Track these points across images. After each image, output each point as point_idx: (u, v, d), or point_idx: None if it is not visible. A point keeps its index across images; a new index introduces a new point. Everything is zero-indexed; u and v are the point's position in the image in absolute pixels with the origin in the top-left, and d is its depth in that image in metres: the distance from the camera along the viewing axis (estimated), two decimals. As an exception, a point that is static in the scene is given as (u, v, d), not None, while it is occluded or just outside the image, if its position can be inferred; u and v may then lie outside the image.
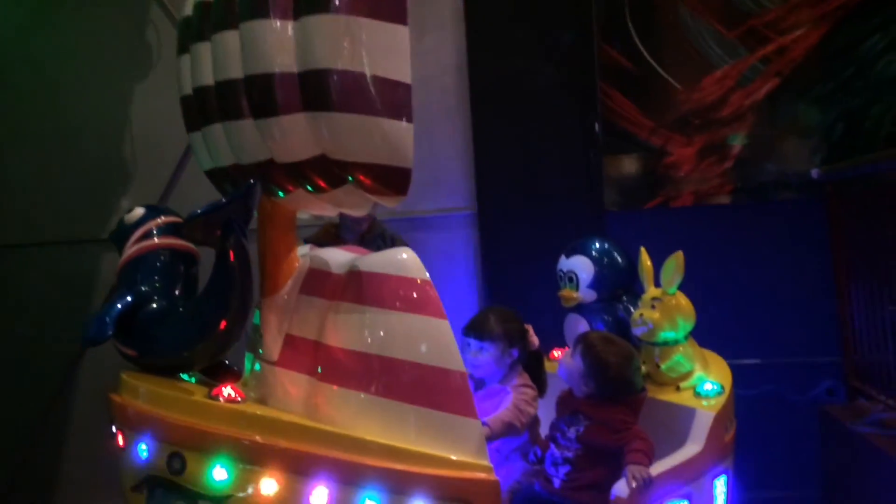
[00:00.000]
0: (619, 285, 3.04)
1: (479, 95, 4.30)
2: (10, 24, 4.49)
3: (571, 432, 2.59)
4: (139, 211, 2.71)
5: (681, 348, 2.84)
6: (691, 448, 2.56)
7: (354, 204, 2.46)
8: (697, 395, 2.72)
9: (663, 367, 2.84)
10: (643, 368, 2.75)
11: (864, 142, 4.05)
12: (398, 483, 2.14)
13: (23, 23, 4.52)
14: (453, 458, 2.18)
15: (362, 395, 2.30)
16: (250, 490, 2.19)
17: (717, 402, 2.67)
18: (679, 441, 2.60)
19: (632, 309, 2.96)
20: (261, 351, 2.59)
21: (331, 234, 3.76)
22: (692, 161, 4.22)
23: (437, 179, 4.30)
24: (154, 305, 2.54)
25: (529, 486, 2.69)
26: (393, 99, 2.20)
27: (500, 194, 4.28)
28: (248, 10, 2.25)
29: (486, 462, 2.20)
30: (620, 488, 2.36)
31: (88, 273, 4.43)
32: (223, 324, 2.44)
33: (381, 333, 2.31)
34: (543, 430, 2.87)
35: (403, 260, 2.35)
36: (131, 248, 2.61)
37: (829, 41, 4.12)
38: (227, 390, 2.34)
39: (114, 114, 4.55)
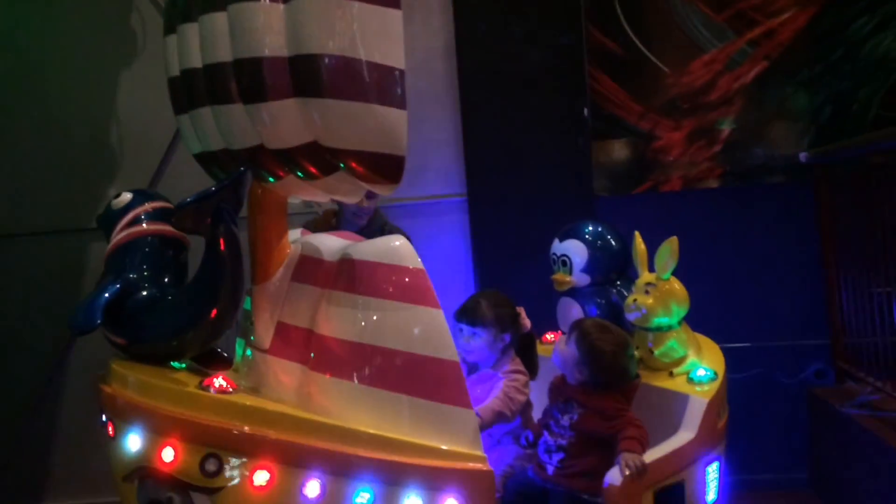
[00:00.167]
0: (612, 269, 3.03)
1: (468, 81, 4.28)
2: (-9, 12, 4.43)
3: (565, 420, 2.59)
4: (126, 196, 2.66)
5: (674, 334, 2.83)
6: (684, 435, 2.54)
7: (347, 191, 2.44)
8: (691, 381, 2.71)
9: (657, 352, 2.83)
10: (636, 354, 2.75)
11: (852, 125, 4.06)
12: (391, 474, 2.13)
13: (5, 10, 4.44)
14: (447, 448, 2.16)
15: (355, 385, 2.28)
16: (242, 481, 2.16)
17: (710, 389, 2.66)
18: (672, 427, 2.59)
19: (625, 293, 2.95)
20: (252, 338, 2.57)
21: (330, 226, 3.74)
22: (681, 145, 4.22)
23: (427, 166, 4.29)
24: (143, 293, 2.50)
25: (522, 472, 2.69)
26: (386, 85, 2.16)
27: (490, 180, 4.27)
28: (236, -10, 2.19)
29: (480, 452, 2.19)
30: (613, 476, 2.35)
31: (76, 263, 4.39)
32: (214, 312, 2.41)
33: (374, 323, 2.29)
34: (536, 415, 2.87)
35: (396, 248, 2.33)
36: (119, 235, 2.57)
37: (816, 24, 4.12)
38: (219, 381, 2.31)
39: (100, 101, 4.49)
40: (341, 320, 2.34)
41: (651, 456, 2.42)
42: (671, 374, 2.80)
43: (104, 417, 2.44)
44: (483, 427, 2.49)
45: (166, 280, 2.56)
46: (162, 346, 2.50)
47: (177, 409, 2.26)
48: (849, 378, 4.00)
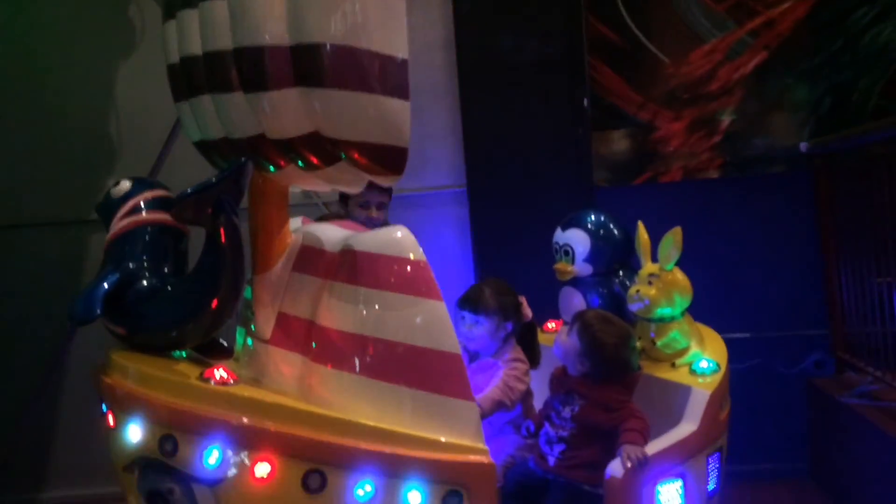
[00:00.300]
0: (615, 259, 3.01)
1: (468, 72, 4.25)
2: (-12, 3, 4.40)
3: (566, 411, 2.59)
4: (126, 184, 2.64)
5: (677, 325, 2.82)
6: (686, 427, 2.53)
7: (349, 182, 2.42)
8: (693, 372, 2.70)
9: (659, 343, 2.82)
10: (638, 345, 2.75)
11: (852, 115, 4.05)
12: (393, 466, 2.13)
13: (2, 1, 4.41)
14: (449, 440, 2.16)
15: (357, 377, 2.27)
16: (244, 473, 2.16)
17: (712, 381, 2.65)
18: (674, 419, 2.59)
19: (628, 283, 2.93)
20: (253, 328, 2.56)
21: None
22: (681, 136, 4.21)
23: (426, 157, 4.27)
24: (144, 283, 2.48)
25: (523, 462, 2.69)
26: (389, 74, 2.15)
27: (489, 171, 4.24)
28: (236, -23, 2.17)
29: (482, 445, 2.19)
30: (615, 468, 2.35)
31: (76, 254, 4.37)
32: (214, 303, 2.40)
33: (376, 314, 2.28)
34: (537, 404, 2.87)
35: (398, 239, 2.31)
36: (119, 224, 2.55)
37: (816, 14, 4.09)
38: (220, 372, 2.30)
39: (99, 92, 4.46)
40: (342, 311, 2.33)
41: (652, 448, 2.42)
42: (673, 365, 2.79)
43: (104, 407, 2.43)
44: (483, 416, 2.49)
45: (166, 270, 2.54)
46: (162, 337, 2.48)
47: (177, 400, 2.25)
48: (848, 368, 4.00)
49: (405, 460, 2.13)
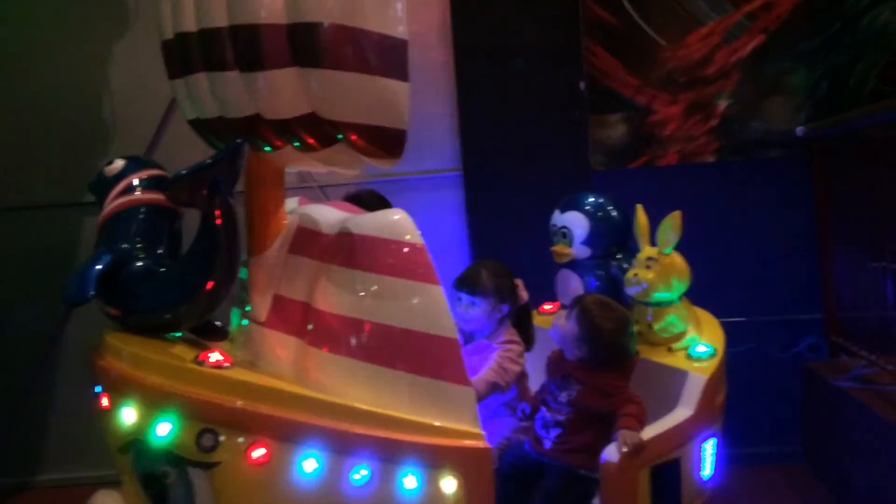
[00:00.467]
0: (613, 242, 3.00)
1: (464, 55, 4.22)
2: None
3: (563, 396, 2.59)
4: (119, 163, 2.60)
5: (674, 309, 2.82)
6: (682, 412, 2.54)
7: (346, 163, 2.40)
8: (690, 357, 2.71)
9: (656, 327, 2.82)
10: (635, 329, 2.74)
11: (849, 98, 4.02)
12: (389, 451, 2.12)
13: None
14: (445, 425, 2.16)
15: (353, 361, 2.26)
16: (239, 456, 2.15)
17: (709, 365, 2.65)
18: (670, 403, 2.59)
19: (625, 266, 2.93)
20: (248, 308, 2.54)
21: None
22: (678, 119, 4.19)
23: (422, 141, 4.20)
24: (138, 264, 2.45)
25: (519, 445, 2.70)
26: (388, 56, 2.12)
27: (485, 155, 4.22)
28: (232, -48, 2.13)
29: (478, 430, 2.18)
30: (611, 453, 2.36)
31: (70, 237, 4.34)
32: (210, 285, 2.38)
33: (373, 298, 2.27)
34: (532, 386, 2.87)
35: (396, 222, 2.29)
36: (112, 204, 2.51)
37: (814, -4, 4.08)
38: (214, 356, 2.29)
39: (92, 73, 4.40)
40: (339, 295, 2.32)
41: (648, 433, 2.43)
42: (670, 349, 2.79)
43: (98, 389, 2.42)
44: (478, 398, 2.48)
45: (160, 251, 2.51)
46: (156, 319, 2.46)
47: (172, 383, 2.23)
48: (843, 352, 4.01)
49: (401, 445, 2.12)
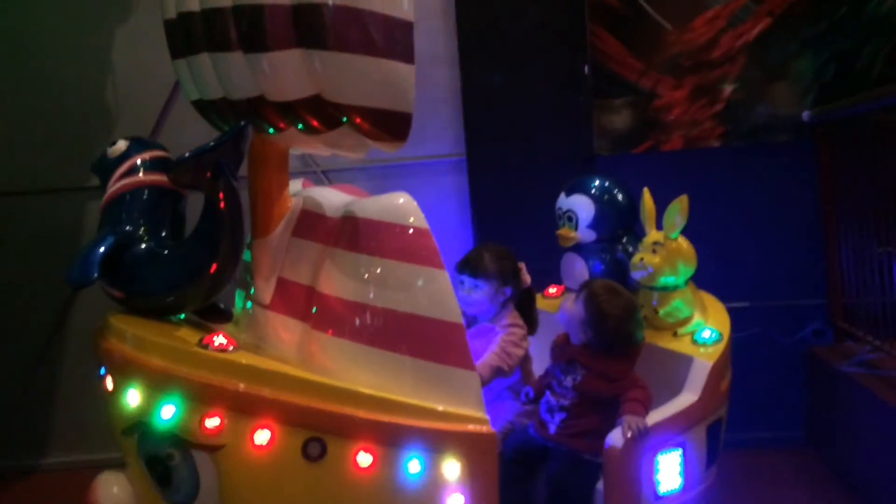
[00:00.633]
0: (619, 226, 2.99)
1: (467, 38, 4.19)
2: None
3: (568, 381, 2.59)
4: (122, 144, 2.58)
5: (680, 294, 2.80)
6: (687, 397, 2.54)
7: (351, 146, 2.38)
8: (695, 342, 2.69)
9: (661, 312, 2.80)
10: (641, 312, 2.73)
11: (855, 83, 4.00)
12: (394, 435, 2.12)
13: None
14: (449, 409, 2.15)
15: (357, 345, 2.25)
16: (243, 440, 2.14)
17: (714, 350, 2.64)
18: (675, 388, 2.59)
19: (631, 250, 2.91)
20: (252, 291, 2.53)
21: None
22: (683, 104, 4.16)
23: (425, 125, 4.17)
24: (142, 246, 2.44)
25: (523, 429, 2.70)
26: (393, 38, 2.10)
27: (489, 139, 4.20)
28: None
29: (482, 414, 2.17)
30: (615, 437, 2.36)
31: (74, 221, 4.33)
32: (213, 267, 2.36)
33: (377, 282, 2.25)
34: (536, 370, 2.87)
35: (401, 205, 2.28)
36: (115, 185, 2.49)
37: (821, -21, 4.05)
38: (218, 339, 2.28)
39: (95, 56, 4.38)
40: (344, 280, 2.31)
41: (653, 418, 2.42)
42: (675, 334, 2.78)
43: (102, 371, 2.41)
44: (482, 383, 2.48)
45: (164, 233, 2.50)
46: (160, 301, 2.45)
47: (176, 366, 2.22)
48: (847, 337, 4.01)
49: (405, 429, 2.12)
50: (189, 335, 2.37)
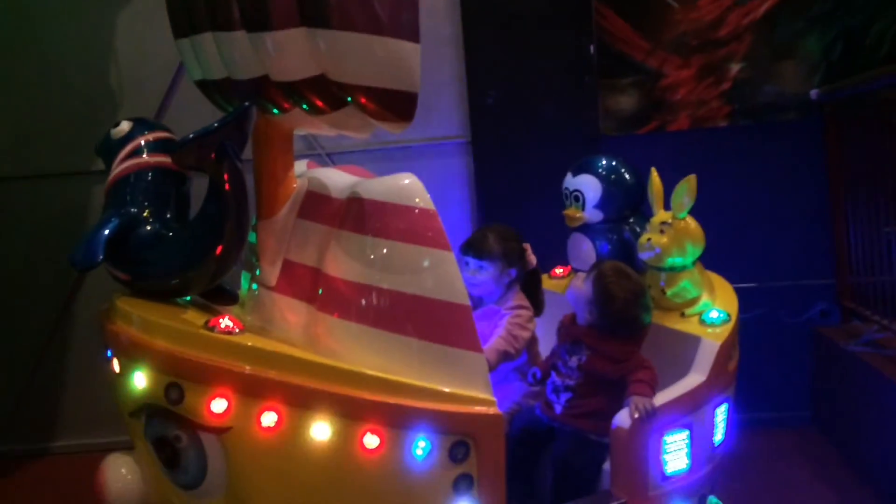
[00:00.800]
0: (626, 206, 2.96)
1: (471, 19, 4.17)
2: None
3: (573, 361, 2.59)
4: (126, 125, 2.56)
5: (687, 274, 2.78)
6: (695, 378, 2.53)
7: (356, 127, 2.36)
8: (703, 322, 2.68)
9: (669, 292, 2.79)
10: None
11: (864, 61, 3.97)
12: (400, 417, 2.11)
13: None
14: (456, 391, 2.14)
15: (363, 327, 2.23)
16: (250, 422, 2.14)
17: (722, 331, 2.63)
18: (682, 369, 2.58)
19: (638, 230, 2.90)
20: (258, 273, 2.53)
21: None
22: (689, 83, 4.14)
23: (429, 107, 4.19)
24: (146, 228, 2.43)
25: (529, 410, 2.70)
26: (398, 17, 2.07)
27: (494, 121, 4.19)
28: None
29: (489, 396, 2.16)
30: (622, 418, 2.36)
31: (80, 205, 4.34)
32: (218, 249, 2.35)
33: (383, 264, 2.24)
34: (542, 351, 2.86)
35: (406, 186, 2.25)
36: (119, 167, 2.48)
37: (829, -45, 4.00)
38: (224, 321, 2.27)
39: (98, 40, 4.38)
40: (349, 261, 2.29)
41: (660, 399, 2.42)
42: (683, 314, 2.77)
43: (109, 353, 2.41)
44: (489, 369, 2.47)
45: (168, 215, 2.49)
46: (165, 283, 2.44)
47: (182, 348, 2.21)
48: (854, 317, 4.00)
49: (412, 411, 2.11)
50: (195, 317, 2.36)
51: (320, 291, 2.35)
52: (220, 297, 2.59)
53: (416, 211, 2.23)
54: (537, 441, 2.62)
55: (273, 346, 2.25)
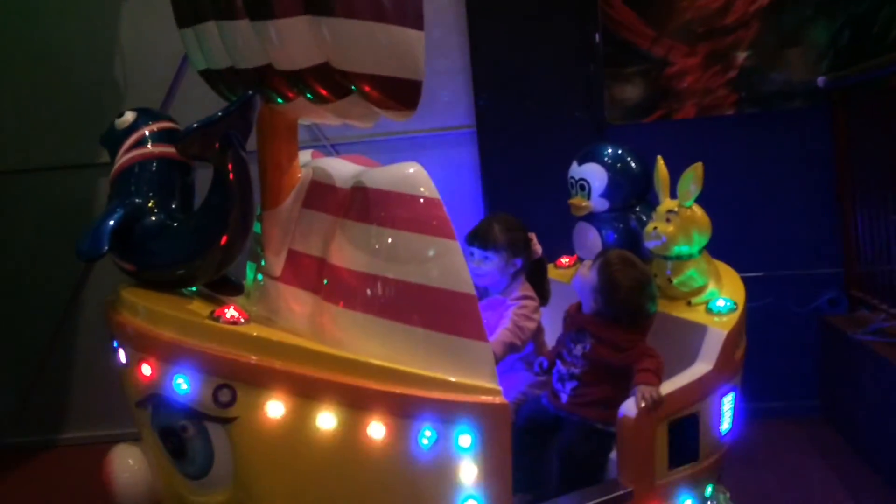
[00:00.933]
0: (632, 195, 2.94)
1: (476, 8, 4.15)
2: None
3: (577, 349, 2.58)
4: (130, 115, 2.55)
5: (694, 263, 2.77)
6: (701, 367, 2.52)
7: (360, 116, 2.34)
8: (710, 311, 2.67)
9: (675, 281, 2.78)
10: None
11: (871, 48, 3.94)
12: (406, 407, 2.10)
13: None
14: (462, 381, 2.13)
15: (368, 317, 2.22)
16: (256, 412, 2.14)
17: (729, 320, 2.62)
18: (689, 357, 2.57)
19: (644, 219, 2.88)
20: (263, 263, 2.53)
21: None
22: (696, 71, 4.11)
23: (434, 97, 4.19)
24: (151, 218, 2.42)
25: (535, 399, 2.70)
26: (402, 4, 2.05)
27: (499, 110, 4.17)
28: None
29: (495, 385, 2.16)
30: (629, 407, 2.36)
31: (85, 198, 4.35)
32: (223, 240, 2.34)
33: (387, 253, 2.22)
34: (549, 341, 2.85)
35: (411, 175, 2.24)
36: (124, 157, 2.47)
37: (836, -59, 3.97)
38: (230, 311, 2.26)
39: (102, 32, 4.38)
40: (354, 251, 2.28)
41: (667, 388, 2.41)
42: (689, 303, 2.76)
43: (115, 343, 2.41)
44: (496, 361, 2.47)
45: (174, 205, 2.48)
46: (171, 274, 2.43)
47: (188, 339, 2.21)
48: (862, 306, 3.98)
49: (418, 400, 2.10)
50: (200, 308, 2.35)
51: (325, 281, 2.34)
52: (225, 287, 2.59)
53: (421, 200, 2.22)
54: (544, 430, 2.62)
55: (278, 336, 2.24)
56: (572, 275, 2.96)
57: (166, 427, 2.25)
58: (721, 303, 2.68)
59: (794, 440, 3.89)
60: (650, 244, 2.77)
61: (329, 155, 3.84)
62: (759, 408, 3.54)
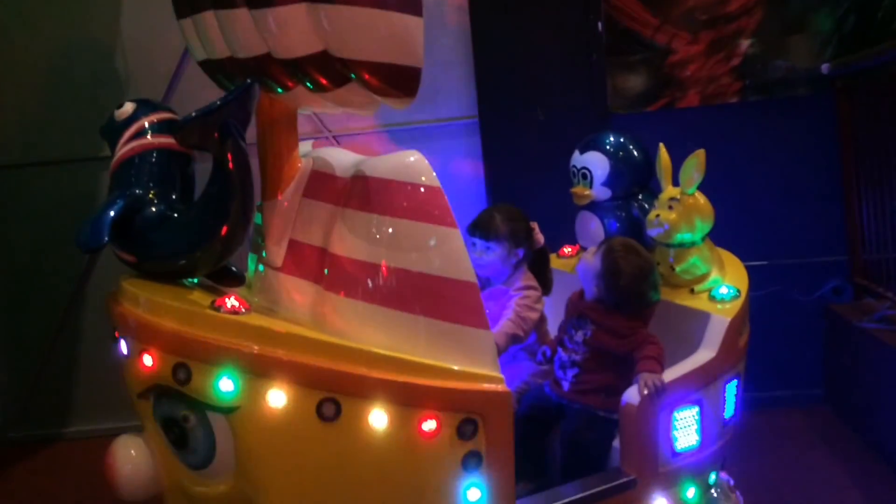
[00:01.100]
0: (634, 183, 2.94)
1: (478, -2, 4.14)
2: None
3: (578, 336, 2.58)
4: (129, 106, 2.54)
5: (696, 250, 2.76)
6: (705, 354, 2.52)
7: (360, 104, 2.33)
8: (712, 298, 2.67)
9: (678, 269, 2.77)
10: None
11: (876, 34, 3.91)
12: (408, 395, 2.09)
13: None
14: (464, 369, 2.12)
15: (370, 306, 2.22)
16: (258, 401, 2.14)
17: (732, 307, 2.62)
18: (692, 345, 2.57)
19: (647, 207, 2.87)
20: (264, 254, 2.52)
21: None
22: (699, 59, 4.09)
23: (436, 88, 4.17)
24: (152, 209, 2.41)
25: (539, 388, 2.70)
26: (401, -10, 2.05)
27: (502, 100, 4.16)
28: None
29: (497, 374, 2.15)
30: (632, 395, 2.35)
31: (88, 191, 4.35)
32: (224, 230, 2.34)
33: (388, 242, 2.21)
34: (551, 330, 2.85)
35: (412, 163, 2.23)
36: (123, 148, 2.47)
37: (841, -74, 3.94)
38: (231, 301, 2.26)
39: (103, 25, 4.38)
40: (355, 240, 2.27)
41: (670, 375, 2.41)
42: (692, 291, 2.75)
43: (116, 335, 2.41)
44: (499, 352, 2.46)
45: (174, 196, 2.47)
46: (172, 264, 2.43)
47: (189, 329, 2.20)
48: (867, 294, 3.97)
49: (420, 389, 2.10)
50: (201, 298, 2.35)
51: (326, 271, 2.34)
52: (226, 278, 2.58)
53: (422, 188, 2.21)
54: (546, 418, 2.62)
55: (280, 326, 2.23)
56: (575, 264, 2.95)
57: (168, 417, 2.25)
58: (724, 290, 2.67)
59: (799, 428, 3.88)
60: (653, 232, 2.76)
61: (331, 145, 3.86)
62: (764, 396, 3.54)
